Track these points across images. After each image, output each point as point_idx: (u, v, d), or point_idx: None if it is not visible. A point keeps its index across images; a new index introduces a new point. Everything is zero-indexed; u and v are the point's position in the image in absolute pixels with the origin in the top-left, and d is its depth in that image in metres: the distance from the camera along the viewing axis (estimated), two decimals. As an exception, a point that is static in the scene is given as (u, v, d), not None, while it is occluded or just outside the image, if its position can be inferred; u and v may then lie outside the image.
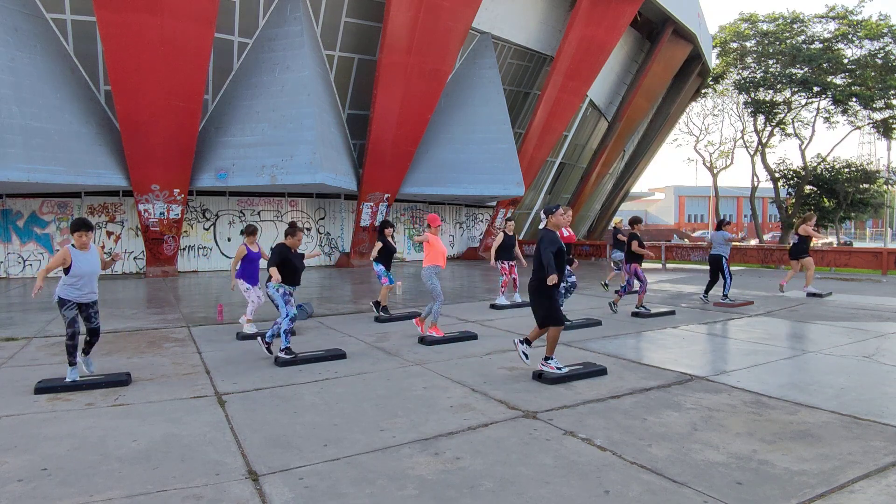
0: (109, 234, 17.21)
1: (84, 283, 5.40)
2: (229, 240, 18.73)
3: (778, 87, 30.10)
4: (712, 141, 52.58)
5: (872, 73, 28.23)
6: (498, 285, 10.99)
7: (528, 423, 4.36)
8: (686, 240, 44.19)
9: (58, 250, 16.32)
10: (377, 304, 9.11)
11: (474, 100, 19.51)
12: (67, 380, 5.38)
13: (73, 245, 5.35)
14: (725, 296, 10.45)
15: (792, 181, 32.60)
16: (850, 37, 29.16)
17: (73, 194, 16.65)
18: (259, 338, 6.63)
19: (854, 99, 29.14)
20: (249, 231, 7.93)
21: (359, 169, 18.74)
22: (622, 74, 26.32)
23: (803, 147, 32.23)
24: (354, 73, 18.08)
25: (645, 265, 10.37)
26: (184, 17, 13.72)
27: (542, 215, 5.74)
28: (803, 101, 31.23)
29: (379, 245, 9.07)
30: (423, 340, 7.23)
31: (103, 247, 16.83)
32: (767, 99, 31.40)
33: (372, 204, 18.86)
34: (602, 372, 5.69)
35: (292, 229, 6.48)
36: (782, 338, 7.52)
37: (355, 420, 4.44)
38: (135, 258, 17.36)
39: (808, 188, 32.06)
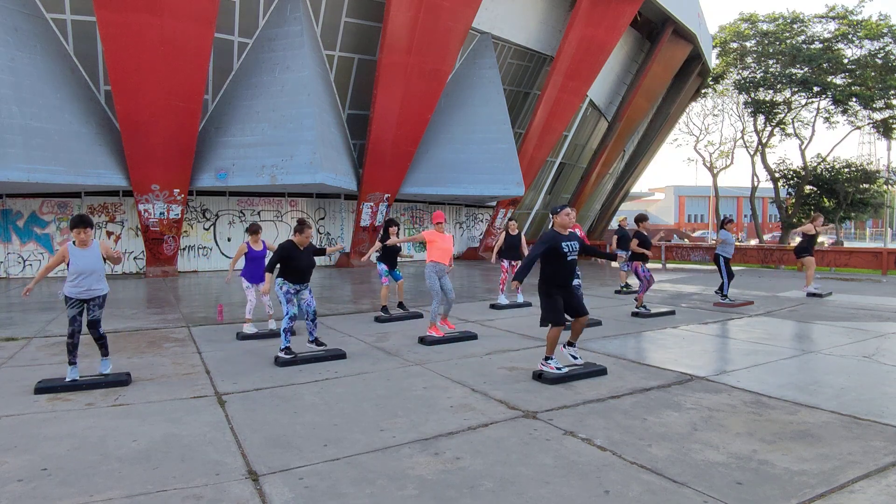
0: (109, 234, 17.21)
1: (83, 280, 5.42)
2: (229, 240, 18.72)
3: (778, 87, 30.09)
4: (712, 141, 52.55)
5: (872, 73, 28.22)
6: (497, 285, 10.99)
7: (528, 423, 4.36)
8: (686, 240, 44.17)
9: (57, 250, 16.48)
10: (401, 304, 9.37)
11: (474, 100, 19.50)
12: (67, 379, 5.38)
13: (73, 242, 5.37)
14: (725, 295, 10.46)
15: (792, 181, 32.60)
16: (850, 37, 29.15)
17: (73, 194, 16.64)
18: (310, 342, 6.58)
19: (854, 99, 29.13)
20: (252, 230, 7.98)
21: (359, 169, 18.74)
22: (622, 74, 26.31)
23: (803, 147, 32.24)
24: (354, 73, 18.08)
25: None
26: (184, 17, 13.72)
27: (550, 215, 5.77)
28: (803, 101, 31.23)
29: (378, 245, 9.11)
30: (424, 340, 7.23)
31: (117, 239, 16.86)
32: (767, 99, 31.39)
33: (372, 204, 18.86)
34: (602, 372, 5.69)
35: (300, 226, 6.46)
36: (782, 338, 7.52)
37: (355, 420, 4.44)
38: (135, 258, 17.36)
39: (808, 188, 32.05)
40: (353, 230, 19.59)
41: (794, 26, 30.46)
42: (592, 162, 27.13)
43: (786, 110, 31.64)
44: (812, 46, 29.45)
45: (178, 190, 15.82)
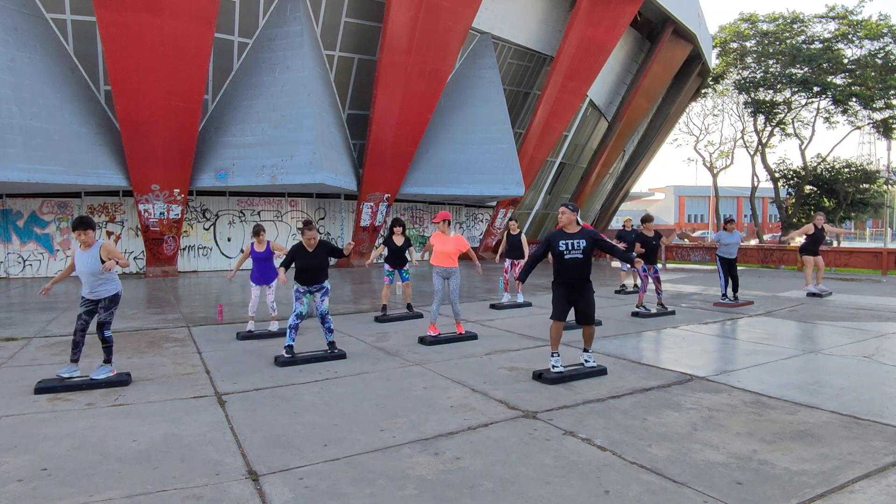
0: (109, 234, 17.21)
1: (84, 281, 5.42)
2: (229, 240, 18.73)
3: (778, 87, 30.09)
4: (712, 141, 52.54)
5: (872, 73, 28.23)
6: (496, 285, 11.00)
7: (528, 423, 4.36)
8: (686, 240, 44.18)
9: (57, 250, 16.51)
10: (409, 305, 9.38)
11: (474, 100, 19.50)
12: (62, 374, 5.39)
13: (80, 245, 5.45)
14: (724, 295, 10.49)
15: (792, 181, 32.61)
16: (850, 37, 29.15)
17: (73, 194, 16.64)
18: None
19: (854, 99, 29.14)
20: (254, 231, 8.01)
21: (359, 169, 18.74)
22: (622, 74, 26.31)
23: (803, 147, 32.24)
24: (354, 73, 18.08)
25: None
26: (184, 17, 13.72)
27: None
28: (803, 101, 31.23)
29: (381, 248, 9.19)
30: (423, 340, 7.23)
31: (117, 239, 16.84)
32: (767, 99, 31.40)
33: (372, 204, 18.86)
34: (602, 372, 5.68)
35: (302, 228, 6.53)
36: (782, 338, 7.52)
37: (355, 420, 4.44)
38: (135, 258, 17.36)
39: (808, 188, 32.07)
40: (353, 230, 19.59)
41: (794, 26, 30.47)
42: (592, 162, 27.14)
43: (786, 110, 31.65)
44: (812, 46, 29.45)
45: (178, 190, 15.82)
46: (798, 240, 12.45)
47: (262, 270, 7.97)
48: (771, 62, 30.71)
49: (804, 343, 7.25)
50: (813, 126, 33.47)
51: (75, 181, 14.48)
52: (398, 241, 9.23)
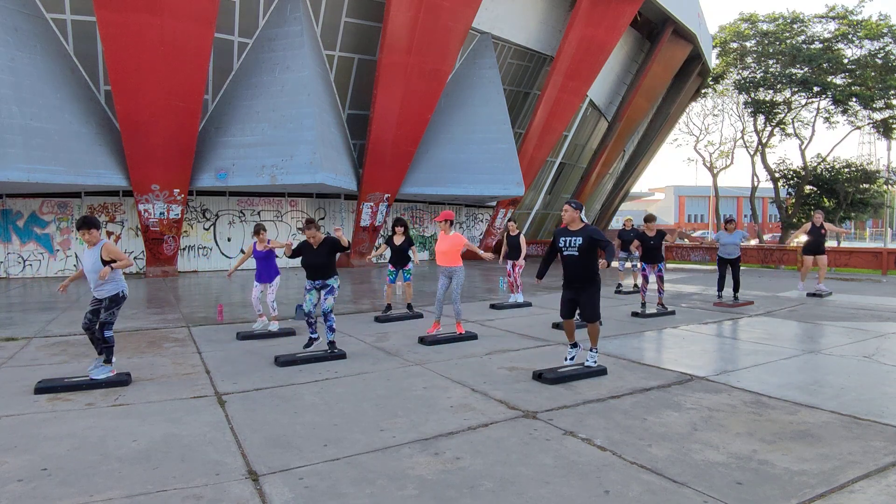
0: (109, 234, 17.20)
1: (89, 279, 5.45)
2: (229, 240, 18.73)
3: (778, 87, 30.10)
4: (712, 141, 52.55)
5: (872, 73, 28.23)
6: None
7: (528, 423, 4.36)
8: (686, 240, 44.18)
9: (57, 250, 16.51)
10: (409, 305, 9.38)
11: (474, 100, 19.50)
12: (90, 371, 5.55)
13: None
14: (719, 296, 10.54)
15: (792, 181, 32.61)
16: (850, 37, 29.16)
17: (73, 194, 16.65)
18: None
19: (854, 99, 29.14)
20: (254, 230, 8.08)
21: (359, 169, 18.74)
22: (622, 74, 26.32)
23: (803, 147, 32.25)
24: (354, 73, 18.08)
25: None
26: (184, 17, 13.72)
27: None
28: (803, 101, 31.24)
29: (383, 247, 9.25)
30: (424, 340, 7.23)
31: (117, 239, 16.84)
32: (767, 99, 31.40)
33: (372, 204, 18.86)
34: (602, 372, 5.68)
35: (302, 227, 6.69)
36: (782, 338, 7.52)
37: (355, 420, 4.44)
38: (135, 258, 17.36)
39: (808, 188, 32.07)
40: (354, 230, 19.59)
41: (794, 26, 30.47)
42: (592, 162, 27.14)
43: (786, 110, 31.65)
44: (812, 46, 29.46)
45: (178, 190, 15.82)
46: (800, 239, 12.46)
47: (263, 269, 8.01)
48: (771, 62, 30.71)
49: (804, 343, 7.25)
50: (813, 126, 33.49)
51: (75, 181, 14.48)
52: (398, 240, 9.25)
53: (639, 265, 10.26)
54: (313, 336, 6.67)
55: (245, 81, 16.32)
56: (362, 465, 3.60)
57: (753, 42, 31.72)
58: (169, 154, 15.12)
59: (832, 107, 30.50)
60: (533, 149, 21.47)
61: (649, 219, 9.63)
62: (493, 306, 10.19)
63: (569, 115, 22.16)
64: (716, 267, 10.91)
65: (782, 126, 32.59)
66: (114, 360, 5.57)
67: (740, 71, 32.26)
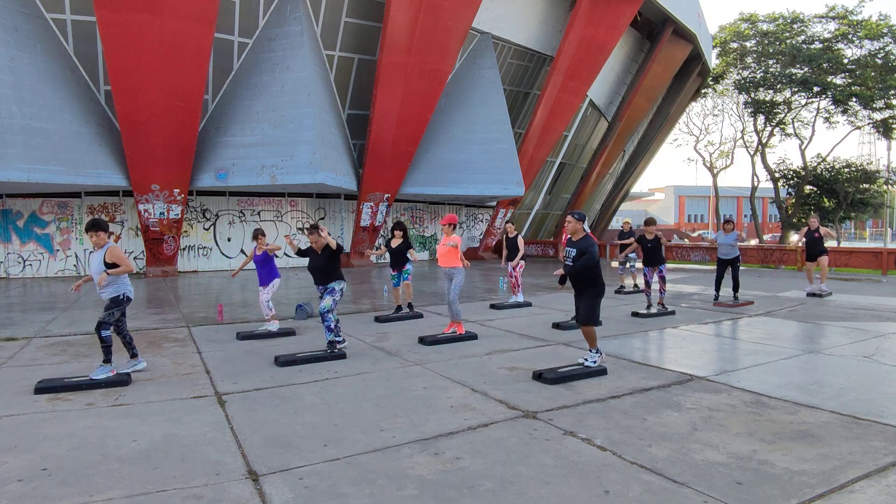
0: (109, 234, 17.22)
1: (95, 281, 5.48)
2: (229, 240, 18.73)
3: (778, 87, 30.11)
4: (712, 141, 52.58)
5: (872, 73, 28.24)
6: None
7: (528, 423, 4.36)
8: (686, 240, 44.21)
9: (57, 250, 16.51)
10: (409, 304, 9.44)
11: (474, 100, 19.50)
12: (126, 370, 5.70)
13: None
14: (716, 297, 10.59)
15: (792, 181, 32.62)
16: (850, 37, 29.18)
17: (73, 194, 16.65)
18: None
19: (854, 99, 29.16)
20: (253, 236, 8.14)
21: (359, 169, 18.74)
22: (622, 74, 26.31)
23: (803, 147, 32.27)
24: (354, 73, 18.08)
25: (639, 264, 10.48)
26: (184, 17, 13.72)
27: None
28: (803, 101, 31.26)
29: (382, 248, 9.31)
30: (424, 340, 7.24)
31: (117, 239, 16.83)
32: (767, 99, 31.42)
33: (372, 204, 18.86)
34: (602, 372, 5.68)
35: (308, 229, 6.80)
36: (782, 338, 7.52)
37: (355, 420, 4.44)
38: (135, 258, 17.36)
39: (808, 188, 32.08)
40: (353, 230, 19.60)
41: (794, 26, 30.48)
42: (592, 162, 27.14)
43: (786, 110, 31.66)
44: (812, 46, 29.47)
45: (178, 190, 15.83)
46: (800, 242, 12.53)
47: (262, 273, 8.04)
48: (771, 62, 30.73)
49: (804, 343, 7.25)
50: (813, 126, 33.52)
51: (75, 181, 14.48)
52: (395, 243, 9.32)
53: (637, 265, 10.28)
54: (329, 338, 6.54)
55: (245, 81, 16.32)
56: (362, 465, 3.60)
57: (753, 42, 31.73)
58: (169, 154, 15.12)
59: (832, 107, 30.52)
60: (533, 149, 21.48)
61: (649, 222, 9.69)
62: (493, 306, 10.19)
63: (569, 115, 22.16)
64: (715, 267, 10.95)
65: (782, 126, 32.60)
66: (113, 359, 5.57)
67: (740, 71, 32.27)
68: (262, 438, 4.07)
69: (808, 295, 11.48)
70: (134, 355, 5.87)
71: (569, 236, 6.03)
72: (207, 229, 18.46)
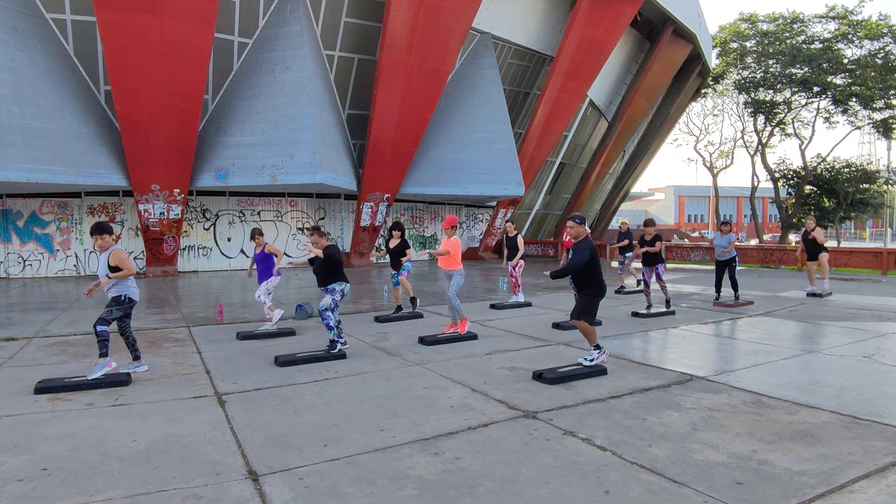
0: (116, 238, 17.19)
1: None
2: (229, 240, 18.72)
3: (778, 87, 30.11)
4: (712, 141, 52.63)
5: (872, 73, 28.24)
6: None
7: (528, 423, 4.36)
8: (686, 240, 44.22)
9: (57, 250, 16.51)
10: (412, 300, 9.47)
11: (474, 100, 19.50)
12: (128, 370, 5.73)
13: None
14: (716, 298, 10.61)
15: (792, 181, 32.62)
16: (850, 37, 29.18)
17: (73, 194, 16.64)
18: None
19: (854, 99, 29.16)
20: (251, 236, 8.17)
21: (359, 169, 18.74)
22: (622, 74, 26.31)
23: (803, 147, 32.26)
24: (354, 73, 18.08)
25: (638, 264, 10.49)
26: (184, 17, 13.72)
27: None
28: (803, 101, 31.26)
29: (382, 250, 9.35)
30: (424, 340, 7.24)
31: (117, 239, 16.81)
32: (767, 99, 31.41)
33: (372, 204, 18.86)
34: (602, 372, 5.69)
35: (309, 230, 6.88)
36: (782, 338, 7.52)
37: (355, 420, 4.44)
38: (135, 258, 17.36)
39: (808, 188, 32.08)
40: (353, 230, 19.59)
41: (794, 26, 30.48)
42: (592, 162, 27.14)
43: (786, 110, 31.66)
44: (812, 46, 29.46)
45: (178, 190, 15.82)
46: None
47: (261, 271, 8.07)
48: (771, 62, 30.72)
49: (804, 343, 7.25)
50: (813, 126, 33.52)
51: (75, 181, 14.48)
52: (393, 244, 9.35)
53: (635, 264, 10.30)
54: (331, 338, 6.55)
55: (245, 81, 16.32)
56: (362, 465, 3.60)
57: (753, 42, 31.73)
58: (169, 154, 15.12)
59: (832, 107, 30.51)
60: (533, 149, 21.47)
61: (648, 223, 9.75)
62: (493, 306, 10.20)
63: (569, 115, 22.16)
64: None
65: (782, 126, 32.60)
66: (112, 358, 5.58)
67: (740, 71, 32.27)
68: (262, 438, 4.07)
69: (808, 295, 11.48)
70: (136, 357, 5.87)
71: (571, 240, 6.12)
72: (207, 229, 18.46)
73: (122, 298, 5.62)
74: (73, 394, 5.16)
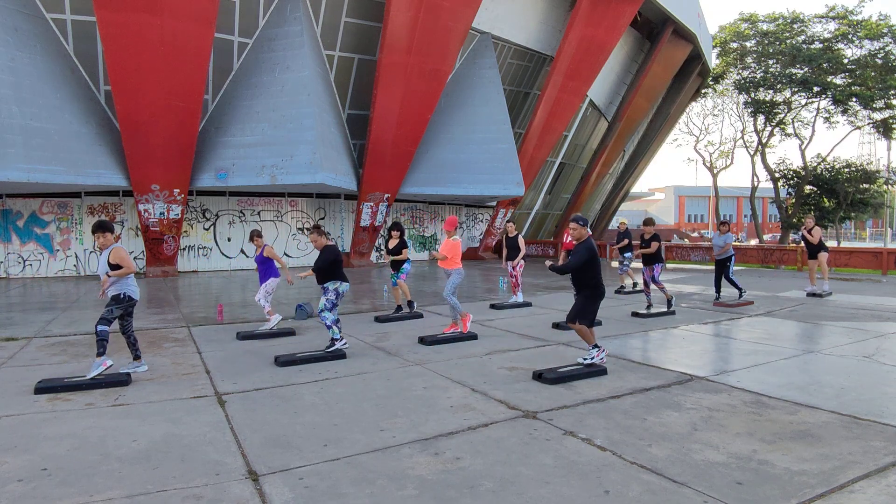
0: (117, 237, 17.19)
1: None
2: (229, 240, 18.72)
3: (778, 87, 30.09)
4: (712, 141, 52.61)
5: (872, 73, 28.23)
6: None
7: (528, 423, 4.36)
8: (686, 240, 44.22)
9: (57, 250, 16.51)
10: (409, 303, 9.42)
11: (474, 100, 19.50)
12: (127, 370, 5.71)
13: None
14: (717, 297, 10.63)
15: (792, 181, 32.60)
16: (850, 37, 29.16)
17: (73, 194, 16.64)
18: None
19: (854, 99, 29.14)
20: (249, 237, 8.19)
21: (359, 169, 18.74)
22: (622, 74, 26.31)
23: (803, 147, 32.24)
24: (354, 73, 18.08)
25: (638, 264, 10.50)
26: (184, 17, 13.72)
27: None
28: (803, 101, 31.24)
29: (386, 255, 9.39)
30: (424, 340, 7.24)
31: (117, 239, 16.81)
32: (767, 99, 31.40)
33: (372, 204, 18.86)
34: (602, 372, 5.69)
35: (309, 229, 6.86)
36: (782, 338, 7.52)
37: (355, 420, 4.44)
38: (135, 258, 17.35)
39: (808, 188, 32.05)
40: (354, 230, 19.59)
41: (794, 26, 30.47)
42: (592, 162, 27.14)
43: (786, 110, 31.64)
44: (812, 46, 29.45)
45: (178, 190, 15.82)
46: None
47: (260, 272, 8.08)
48: (771, 62, 30.71)
49: (804, 343, 7.25)
50: (813, 126, 33.50)
51: (75, 181, 14.48)
52: (392, 244, 9.35)
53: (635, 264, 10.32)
54: (335, 338, 6.55)
55: (245, 81, 16.32)
56: (362, 465, 3.60)
57: (753, 42, 31.71)
58: (169, 154, 15.12)
59: (832, 107, 30.49)
60: (533, 149, 21.47)
61: (647, 222, 9.81)
62: (493, 306, 10.19)
63: (569, 115, 22.16)
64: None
65: (782, 126, 32.58)
66: (111, 358, 5.59)
67: (740, 71, 32.25)
68: (262, 438, 4.07)
69: (809, 295, 11.48)
70: (137, 357, 5.87)
71: (573, 241, 6.13)
72: (207, 229, 18.46)
73: (122, 297, 5.63)
74: (73, 394, 5.16)
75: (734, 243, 10.88)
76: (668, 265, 19.59)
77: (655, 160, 52.46)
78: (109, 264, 5.52)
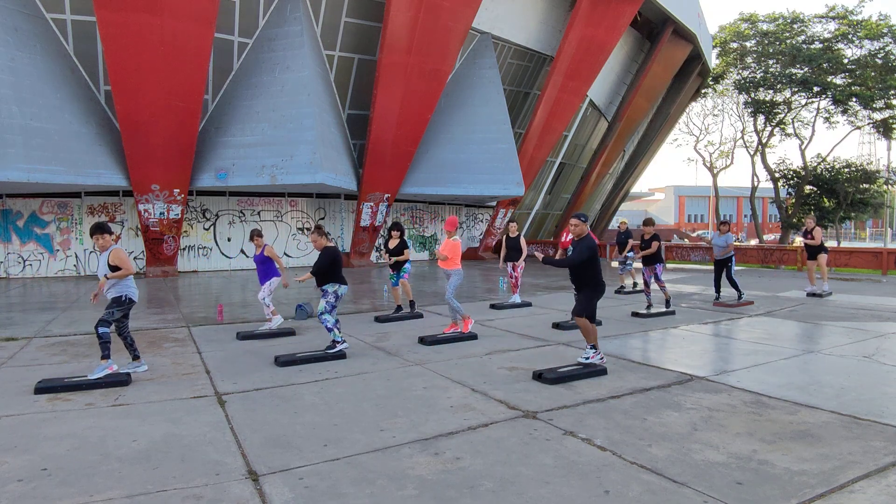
0: (117, 238, 17.17)
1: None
2: (229, 240, 18.72)
3: (778, 87, 30.10)
4: (712, 141, 52.60)
5: (872, 73, 28.22)
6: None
7: (528, 423, 4.36)
8: (686, 240, 44.22)
9: (57, 250, 16.51)
10: (411, 303, 9.42)
11: (474, 100, 19.49)
12: (127, 369, 5.70)
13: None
14: (717, 297, 10.63)
15: (792, 181, 32.59)
16: (850, 37, 29.16)
17: (73, 194, 16.64)
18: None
19: (854, 99, 29.14)
20: (249, 237, 8.18)
21: (359, 169, 18.74)
22: (622, 74, 26.31)
23: (803, 147, 32.24)
24: (354, 73, 18.08)
25: (638, 264, 10.51)
26: (184, 17, 13.71)
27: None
28: (803, 101, 31.23)
29: (388, 258, 9.37)
30: (424, 340, 7.24)
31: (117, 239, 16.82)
32: (767, 99, 31.40)
33: (372, 204, 18.86)
34: (602, 372, 5.69)
35: (310, 230, 6.87)
36: (782, 338, 7.52)
37: (355, 420, 4.44)
38: (135, 258, 17.35)
39: (808, 188, 32.05)
40: (354, 230, 19.59)
41: (794, 26, 30.47)
42: (592, 162, 27.13)
43: (786, 110, 31.64)
44: (812, 46, 29.45)
45: (178, 190, 15.82)
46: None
47: (260, 272, 8.08)
48: (771, 62, 30.71)
49: (804, 343, 7.25)
50: (813, 126, 33.50)
51: (75, 181, 14.48)
52: (392, 244, 9.35)
53: (636, 265, 10.32)
54: (336, 340, 6.55)
55: (245, 81, 16.31)
56: (362, 465, 3.60)
57: (753, 42, 31.72)
58: (169, 154, 15.11)
59: (832, 107, 30.49)
60: (533, 149, 21.47)
61: (647, 222, 9.82)
62: (493, 306, 10.19)
63: (569, 115, 22.15)
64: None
65: (782, 126, 32.58)
66: (112, 358, 5.58)
67: (740, 71, 32.25)
68: (262, 438, 4.07)
69: (809, 295, 11.48)
70: (136, 357, 5.87)
71: (573, 238, 6.13)
72: (207, 229, 18.46)
73: (123, 299, 5.63)
74: (73, 394, 5.16)
75: (734, 243, 10.88)
76: (668, 265, 19.59)
77: (655, 160, 52.48)
78: (109, 266, 5.53)
